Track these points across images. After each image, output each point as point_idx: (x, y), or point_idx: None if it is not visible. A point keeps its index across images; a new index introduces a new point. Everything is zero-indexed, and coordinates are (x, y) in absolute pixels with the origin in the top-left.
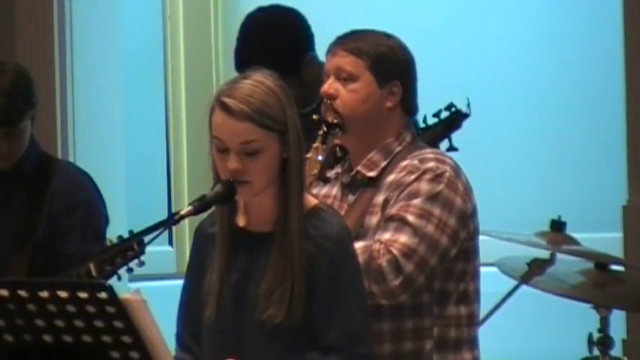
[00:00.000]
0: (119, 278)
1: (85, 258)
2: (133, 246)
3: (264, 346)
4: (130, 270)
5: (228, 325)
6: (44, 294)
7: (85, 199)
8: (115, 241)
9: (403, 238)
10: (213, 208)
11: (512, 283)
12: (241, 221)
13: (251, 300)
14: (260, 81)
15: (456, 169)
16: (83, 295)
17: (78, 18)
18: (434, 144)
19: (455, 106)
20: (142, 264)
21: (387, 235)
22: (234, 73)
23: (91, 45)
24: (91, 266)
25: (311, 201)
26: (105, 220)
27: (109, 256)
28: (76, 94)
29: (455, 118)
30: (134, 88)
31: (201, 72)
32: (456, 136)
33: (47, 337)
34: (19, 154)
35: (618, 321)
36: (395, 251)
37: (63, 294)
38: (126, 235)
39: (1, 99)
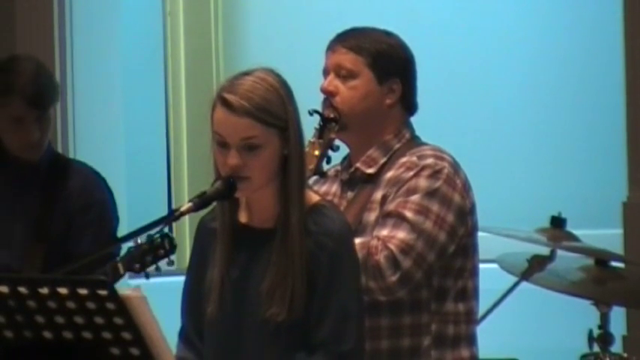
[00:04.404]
0: (147, 277)
1: (110, 255)
2: (164, 244)
3: (267, 343)
4: (158, 269)
5: (229, 322)
6: (44, 290)
7: (99, 199)
8: (144, 239)
9: (401, 234)
10: (214, 204)
11: (513, 279)
12: (243, 217)
13: (253, 297)
14: (261, 77)
15: (455, 166)
16: (83, 291)
17: (78, 15)
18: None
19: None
20: (171, 263)
21: (384, 232)
22: (234, 70)
23: (91, 42)
24: (120, 264)
25: (313, 197)
26: (116, 221)
27: (138, 255)
28: (76, 92)
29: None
30: (134, 85)
31: (201, 69)
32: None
33: (47, 334)
34: (45, 145)
35: (618, 317)
36: (392, 247)
37: (63, 290)
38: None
39: (32, 80)
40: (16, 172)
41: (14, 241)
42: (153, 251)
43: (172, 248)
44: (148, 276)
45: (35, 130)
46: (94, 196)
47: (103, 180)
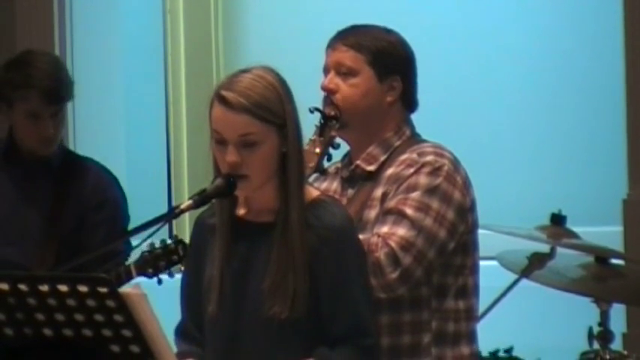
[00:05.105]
0: (160, 282)
1: (116, 252)
2: (177, 250)
3: (269, 341)
4: (171, 274)
5: (230, 320)
6: (44, 288)
7: (112, 196)
8: (157, 244)
9: (401, 231)
10: (213, 201)
11: (513, 277)
12: (241, 210)
13: (253, 295)
14: (260, 75)
15: (455, 163)
16: (83, 289)
17: (78, 14)
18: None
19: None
20: None
21: (385, 229)
22: (234, 68)
23: (91, 39)
24: (133, 267)
25: (312, 192)
26: (128, 219)
27: (151, 259)
28: (76, 89)
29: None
30: (134, 82)
31: (201, 66)
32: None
33: (47, 331)
34: (59, 140)
35: (618, 315)
36: (393, 244)
37: (63, 288)
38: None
39: (50, 75)
40: (27, 168)
41: (26, 238)
42: (166, 256)
43: (186, 254)
44: (160, 282)
45: (50, 125)
46: (107, 194)
47: (115, 178)
